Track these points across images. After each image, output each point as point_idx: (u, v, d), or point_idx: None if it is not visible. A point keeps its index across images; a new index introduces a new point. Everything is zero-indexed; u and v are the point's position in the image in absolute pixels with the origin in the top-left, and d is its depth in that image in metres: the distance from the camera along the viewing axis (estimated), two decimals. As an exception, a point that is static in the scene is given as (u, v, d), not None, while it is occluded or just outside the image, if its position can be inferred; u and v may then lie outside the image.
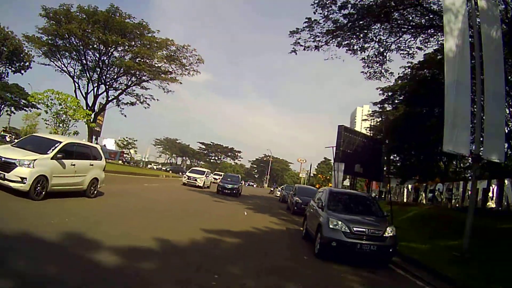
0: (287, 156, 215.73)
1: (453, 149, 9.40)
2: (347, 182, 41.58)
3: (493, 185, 14.73)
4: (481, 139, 10.65)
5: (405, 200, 26.42)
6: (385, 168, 27.46)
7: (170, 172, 58.40)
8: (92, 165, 11.83)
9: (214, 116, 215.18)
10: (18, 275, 4.19)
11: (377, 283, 7.43)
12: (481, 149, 10.51)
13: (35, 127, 56.33)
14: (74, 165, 10.71)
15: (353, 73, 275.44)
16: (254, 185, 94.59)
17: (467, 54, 10.08)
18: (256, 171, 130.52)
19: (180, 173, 52.00)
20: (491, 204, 14.68)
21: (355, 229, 8.24)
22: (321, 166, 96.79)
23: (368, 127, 44.93)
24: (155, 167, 72.65)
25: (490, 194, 14.86)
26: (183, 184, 29.61)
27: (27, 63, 45.93)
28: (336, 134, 26.49)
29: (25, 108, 53.13)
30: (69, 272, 4.69)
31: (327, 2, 19.34)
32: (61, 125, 27.56)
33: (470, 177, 22.48)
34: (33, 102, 31.03)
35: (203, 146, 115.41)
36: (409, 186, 26.81)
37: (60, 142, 10.49)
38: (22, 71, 46.58)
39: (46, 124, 28.02)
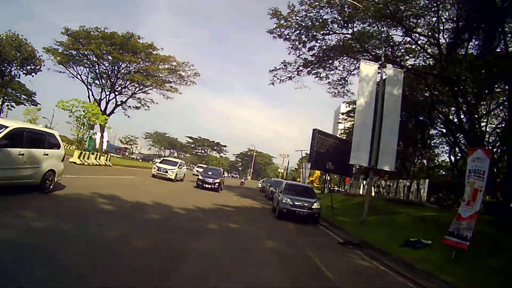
0: (272, 149, 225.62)
1: (356, 162, 16.92)
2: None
3: (414, 185, 22.49)
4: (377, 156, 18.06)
5: (360, 192, 34.38)
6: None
7: (141, 161, 64.98)
8: (47, 154, 10.42)
9: (200, 108, 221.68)
10: None
11: (304, 230, 14.56)
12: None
13: (35, 121, 61.63)
14: (23, 154, 9.27)
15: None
16: (238, 177, 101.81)
17: (372, 106, 17.40)
18: (240, 164, 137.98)
19: (151, 162, 54.30)
20: (412, 197, 22.41)
21: (296, 203, 15.57)
22: (303, 160, 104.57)
23: (345, 128, 50.81)
24: (140, 159, 78.12)
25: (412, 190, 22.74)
26: (152, 176, 27.20)
27: (39, 67, 51.82)
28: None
29: (24, 103, 57.95)
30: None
31: (299, 46, 26.67)
32: (82, 126, 34.50)
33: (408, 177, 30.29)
34: (60, 108, 36.92)
35: (191, 140, 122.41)
36: (364, 182, 34.72)
37: (6, 127, 8.88)
38: (33, 74, 52.37)
39: (69, 124, 34.88)
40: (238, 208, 18.18)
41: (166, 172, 27.36)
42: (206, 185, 24.70)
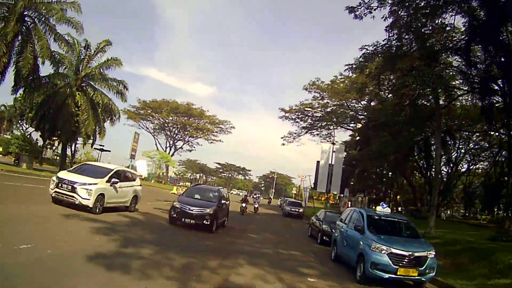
0: (293, 167, 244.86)
1: (319, 189, 38.62)
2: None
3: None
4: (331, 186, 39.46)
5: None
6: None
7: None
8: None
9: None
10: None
11: (294, 221, 35.73)
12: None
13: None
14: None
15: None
16: (262, 197, 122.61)
17: (327, 165, 38.97)
18: (263, 185, 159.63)
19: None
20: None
21: (291, 208, 36.83)
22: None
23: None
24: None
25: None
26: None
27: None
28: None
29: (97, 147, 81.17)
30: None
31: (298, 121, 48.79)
32: (159, 168, 57.38)
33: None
34: (146, 156, 59.47)
35: (219, 166, 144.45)
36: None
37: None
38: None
39: (148, 166, 57.87)
40: (267, 214, 39.23)
41: (73, 193, 32.09)
42: (187, 220, 14.61)
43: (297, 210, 36.57)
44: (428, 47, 19.89)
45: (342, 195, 40.64)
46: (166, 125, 67.03)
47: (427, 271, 9.61)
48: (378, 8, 19.36)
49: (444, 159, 38.74)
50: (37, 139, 43.28)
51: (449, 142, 36.15)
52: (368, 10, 19.57)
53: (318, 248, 16.11)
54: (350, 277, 10.30)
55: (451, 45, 20.94)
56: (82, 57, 32.44)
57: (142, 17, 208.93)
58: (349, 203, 36.37)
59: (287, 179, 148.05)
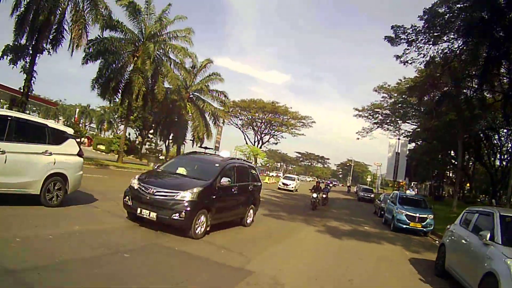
0: (369, 154, 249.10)
1: (387, 178, 47.21)
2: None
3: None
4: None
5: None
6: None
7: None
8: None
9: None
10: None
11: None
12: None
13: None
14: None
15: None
16: (341, 185, 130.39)
17: (394, 157, 47.33)
18: (340, 172, 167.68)
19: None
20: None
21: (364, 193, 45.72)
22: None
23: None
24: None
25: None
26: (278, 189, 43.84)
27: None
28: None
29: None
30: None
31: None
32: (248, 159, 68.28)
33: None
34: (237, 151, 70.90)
35: (299, 155, 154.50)
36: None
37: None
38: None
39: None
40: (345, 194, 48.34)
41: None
42: (145, 210, 9.04)
43: (368, 195, 45.16)
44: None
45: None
46: (253, 121, 78.29)
47: (428, 226, 18.58)
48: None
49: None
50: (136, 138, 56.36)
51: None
52: None
53: (377, 219, 25.03)
54: (388, 228, 19.60)
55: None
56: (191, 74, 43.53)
57: (211, 6, 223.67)
58: (410, 189, 44.50)
59: (363, 166, 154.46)
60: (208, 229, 9.71)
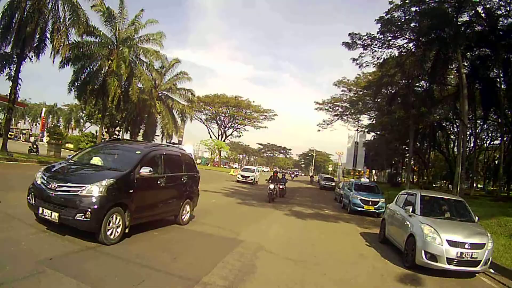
0: (331, 144, 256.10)
1: (346, 167, 50.76)
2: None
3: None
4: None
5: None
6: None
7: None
8: None
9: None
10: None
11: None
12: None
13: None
14: None
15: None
16: (303, 175, 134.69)
17: (353, 148, 50.87)
18: (302, 162, 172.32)
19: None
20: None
21: (325, 183, 49.26)
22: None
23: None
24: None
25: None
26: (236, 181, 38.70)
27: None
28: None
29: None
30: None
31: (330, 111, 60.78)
32: (214, 153, 70.99)
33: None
34: (203, 144, 73.20)
35: (261, 146, 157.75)
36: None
37: None
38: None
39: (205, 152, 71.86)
40: (303, 184, 51.65)
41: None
42: (46, 210, 7.61)
43: (330, 183, 48.32)
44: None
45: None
46: (217, 115, 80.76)
47: (380, 208, 21.54)
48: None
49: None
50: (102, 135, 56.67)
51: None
52: None
53: (336, 204, 27.87)
54: (345, 212, 22.51)
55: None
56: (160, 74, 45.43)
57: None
58: (364, 177, 48.18)
59: (325, 156, 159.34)
60: (126, 231, 8.20)
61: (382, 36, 29.30)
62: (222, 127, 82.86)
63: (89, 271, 6.20)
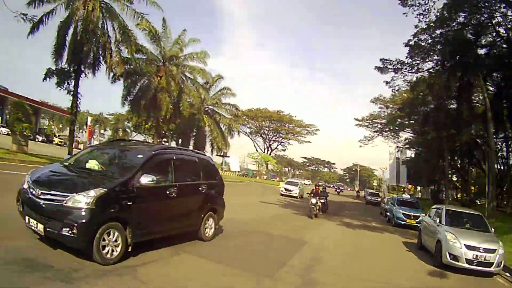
0: (374, 159, 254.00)
1: (390, 183, 52.92)
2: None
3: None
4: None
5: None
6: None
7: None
8: None
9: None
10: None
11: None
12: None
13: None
14: None
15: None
16: (349, 189, 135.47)
17: (394, 164, 52.89)
18: (347, 177, 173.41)
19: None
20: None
21: (371, 198, 51.34)
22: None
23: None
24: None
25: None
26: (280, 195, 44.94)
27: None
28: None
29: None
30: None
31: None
32: (261, 165, 74.41)
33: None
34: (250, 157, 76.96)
35: (306, 160, 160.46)
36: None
37: None
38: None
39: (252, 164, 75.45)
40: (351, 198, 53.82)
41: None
42: (32, 220, 6.84)
43: (375, 199, 50.42)
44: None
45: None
46: (261, 129, 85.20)
47: (420, 222, 24.16)
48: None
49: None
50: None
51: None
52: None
53: (382, 218, 30.16)
54: (390, 225, 25.14)
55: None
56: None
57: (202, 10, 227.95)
58: (405, 193, 49.78)
59: (369, 171, 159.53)
60: (129, 249, 7.23)
61: (411, 60, 32.09)
62: (267, 140, 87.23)
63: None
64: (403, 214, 24.05)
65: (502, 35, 28.30)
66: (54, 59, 25.77)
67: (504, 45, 28.54)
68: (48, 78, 25.66)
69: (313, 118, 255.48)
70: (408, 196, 26.50)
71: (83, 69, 26.58)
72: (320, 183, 27.70)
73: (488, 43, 29.56)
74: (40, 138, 52.85)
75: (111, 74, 27.62)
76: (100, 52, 26.72)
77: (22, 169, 15.97)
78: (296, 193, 39.49)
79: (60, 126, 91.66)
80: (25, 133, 24.32)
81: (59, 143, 54.38)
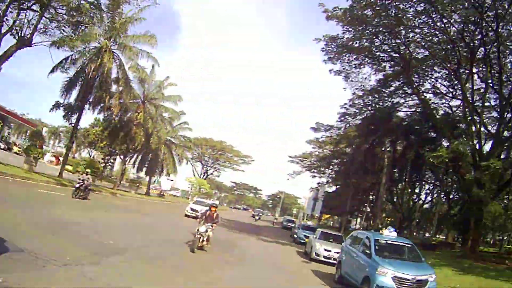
0: (302, 187, 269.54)
1: (307, 212, 64.34)
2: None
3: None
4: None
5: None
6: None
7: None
8: None
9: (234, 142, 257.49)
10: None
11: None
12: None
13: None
14: None
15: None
16: (269, 214, 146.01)
17: (313, 197, 64.34)
18: (270, 203, 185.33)
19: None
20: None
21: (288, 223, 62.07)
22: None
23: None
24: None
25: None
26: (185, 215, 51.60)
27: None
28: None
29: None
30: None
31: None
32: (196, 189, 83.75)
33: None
34: (188, 181, 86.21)
35: (234, 184, 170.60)
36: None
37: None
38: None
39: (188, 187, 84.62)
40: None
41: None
42: None
43: (290, 224, 60.52)
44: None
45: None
46: (202, 156, 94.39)
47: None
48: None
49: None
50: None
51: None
52: None
53: (291, 239, 40.10)
54: (294, 242, 35.48)
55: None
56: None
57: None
58: (309, 222, 61.23)
59: (293, 198, 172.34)
60: None
61: (340, 123, 44.31)
62: (205, 166, 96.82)
63: None
64: (303, 235, 34.34)
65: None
66: (63, 94, 33.81)
67: (404, 122, 41.32)
68: (54, 109, 33.70)
69: (248, 146, 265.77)
70: (311, 223, 37.47)
71: (85, 106, 35.09)
72: (214, 203, 22.79)
73: (398, 119, 42.10)
74: (2, 146, 56.91)
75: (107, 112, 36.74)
76: (104, 95, 35.11)
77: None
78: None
79: (17, 135, 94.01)
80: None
81: (17, 152, 58.42)
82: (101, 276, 8.66)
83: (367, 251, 13.83)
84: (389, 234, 14.96)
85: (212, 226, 16.53)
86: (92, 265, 9.28)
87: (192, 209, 35.27)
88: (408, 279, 12.11)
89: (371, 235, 14.72)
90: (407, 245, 14.92)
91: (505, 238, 61.74)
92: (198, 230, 15.84)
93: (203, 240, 15.92)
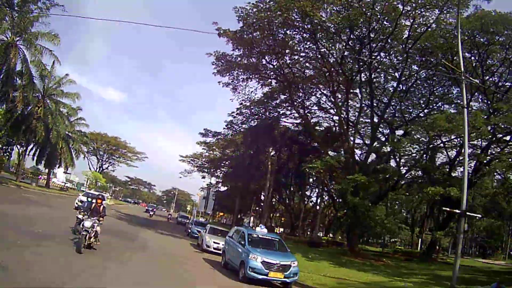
0: (195, 185, 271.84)
1: (201, 210, 68.61)
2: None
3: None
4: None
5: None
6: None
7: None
8: None
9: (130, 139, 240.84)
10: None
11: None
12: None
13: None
14: None
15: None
16: (164, 210, 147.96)
17: (205, 195, 68.72)
18: (165, 199, 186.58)
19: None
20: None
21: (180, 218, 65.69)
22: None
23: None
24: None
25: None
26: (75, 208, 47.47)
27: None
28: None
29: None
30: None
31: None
32: (93, 184, 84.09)
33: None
34: (84, 175, 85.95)
35: (128, 179, 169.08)
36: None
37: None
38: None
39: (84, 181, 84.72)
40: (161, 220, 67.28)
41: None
42: None
43: (185, 220, 63.95)
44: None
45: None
46: (97, 151, 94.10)
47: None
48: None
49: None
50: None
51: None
52: None
53: (185, 233, 43.77)
54: (187, 236, 39.42)
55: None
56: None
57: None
58: (201, 218, 65.68)
59: (187, 195, 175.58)
60: None
61: (227, 130, 48.92)
62: (101, 161, 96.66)
63: None
64: (196, 230, 38.09)
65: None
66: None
67: (288, 133, 47.17)
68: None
69: (145, 142, 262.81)
70: (203, 219, 41.68)
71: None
72: (101, 195, 23.30)
73: (281, 130, 47.71)
74: None
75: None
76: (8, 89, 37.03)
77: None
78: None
79: None
80: None
81: None
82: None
83: (243, 242, 17.72)
84: (261, 230, 19.33)
85: (99, 220, 15.37)
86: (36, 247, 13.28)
87: (81, 201, 33.65)
88: (274, 263, 15.90)
89: (246, 231, 18.92)
90: (275, 239, 19.43)
91: (397, 240, 72.43)
92: (83, 225, 14.58)
93: (90, 237, 14.61)
